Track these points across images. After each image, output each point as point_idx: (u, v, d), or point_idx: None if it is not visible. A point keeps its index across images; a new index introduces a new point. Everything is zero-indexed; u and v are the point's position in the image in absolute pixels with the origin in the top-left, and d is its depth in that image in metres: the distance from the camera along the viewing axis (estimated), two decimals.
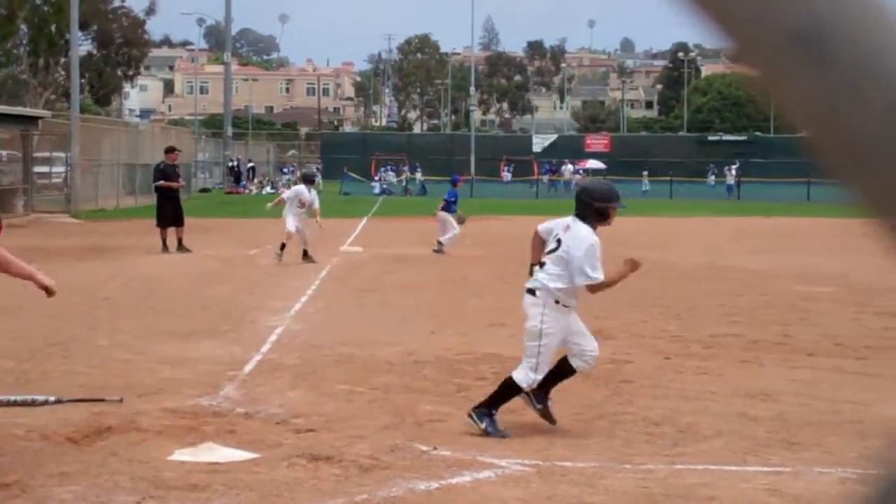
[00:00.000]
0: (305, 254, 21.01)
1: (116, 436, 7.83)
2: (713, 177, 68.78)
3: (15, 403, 7.78)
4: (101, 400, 8.06)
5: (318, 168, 74.06)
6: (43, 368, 10.32)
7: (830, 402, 9.16)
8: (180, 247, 22.70)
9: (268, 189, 61.72)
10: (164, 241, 22.67)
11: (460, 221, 24.10)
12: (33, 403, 7.72)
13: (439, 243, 23.59)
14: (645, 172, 63.34)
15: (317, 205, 21.46)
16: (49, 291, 7.21)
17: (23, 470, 6.92)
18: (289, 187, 25.63)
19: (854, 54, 0.57)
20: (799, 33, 0.58)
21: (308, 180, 22.63)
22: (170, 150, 26.08)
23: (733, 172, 62.34)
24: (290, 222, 20.90)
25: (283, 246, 20.64)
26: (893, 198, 0.59)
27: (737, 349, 11.80)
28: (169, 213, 23.14)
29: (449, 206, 24.26)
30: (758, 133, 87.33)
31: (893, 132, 0.57)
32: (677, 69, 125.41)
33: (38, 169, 38.80)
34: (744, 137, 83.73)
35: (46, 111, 44.25)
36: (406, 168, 67.09)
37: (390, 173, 66.69)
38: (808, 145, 0.60)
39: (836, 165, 0.60)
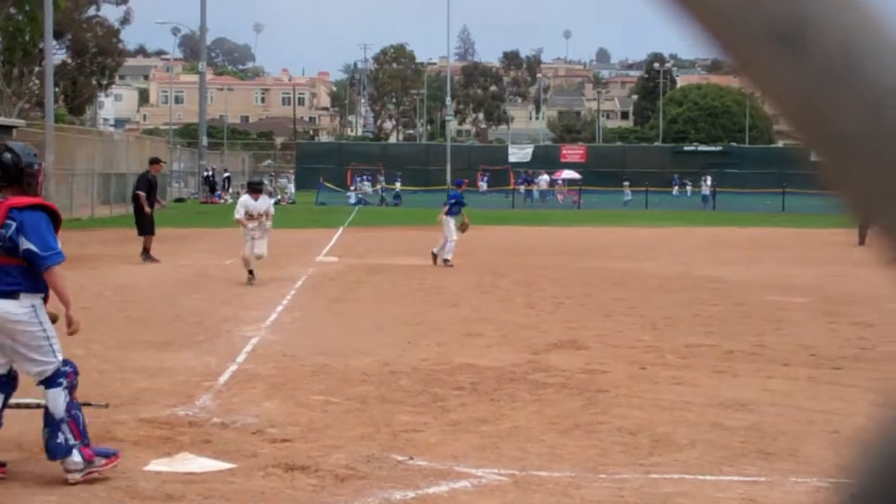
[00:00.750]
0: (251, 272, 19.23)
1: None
2: (677, 187, 69.21)
3: (18, 406, 7.76)
4: (87, 405, 8.01)
5: (287, 178, 73.89)
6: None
7: (805, 412, 9.21)
8: (147, 255, 22.65)
9: (243, 198, 61.53)
10: (146, 249, 22.76)
11: (463, 229, 23.88)
12: (27, 406, 7.70)
13: (445, 260, 22.94)
14: (626, 182, 63.57)
15: (271, 210, 20.04)
16: (72, 327, 7.17)
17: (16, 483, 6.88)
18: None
19: (833, 49, 0.57)
20: (777, 27, 0.57)
21: (254, 189, 20.43)
22: (155, 162, 26.18)
23: (708, 183, 62.66)
24: (246, 247, 19.26)
25: (249, 272, 19.15)
26: (875, 194, 0.60)
27: (712, 359, 11.85)
28: (149, 221, 23.29)
29: (451, 209, 23.92)
30: (733, 143, 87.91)
31: (874, 128, 0.58)
32: (653, 80, 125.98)
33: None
34: (719, 148, 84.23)
35: (21, 120, 43.97)
36: (382, 178, 67.06)
37: (366, 183, 66.65)
38: (790, 141, 0.61)
39: (819, 161, 0.60)
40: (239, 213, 19.65)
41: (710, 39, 0.60)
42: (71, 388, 7.06)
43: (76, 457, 6.88)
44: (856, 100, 0.57)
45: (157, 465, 7.33)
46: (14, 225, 6.92)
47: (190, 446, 7.81)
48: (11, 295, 6.89)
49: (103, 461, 7.06)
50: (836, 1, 0.57)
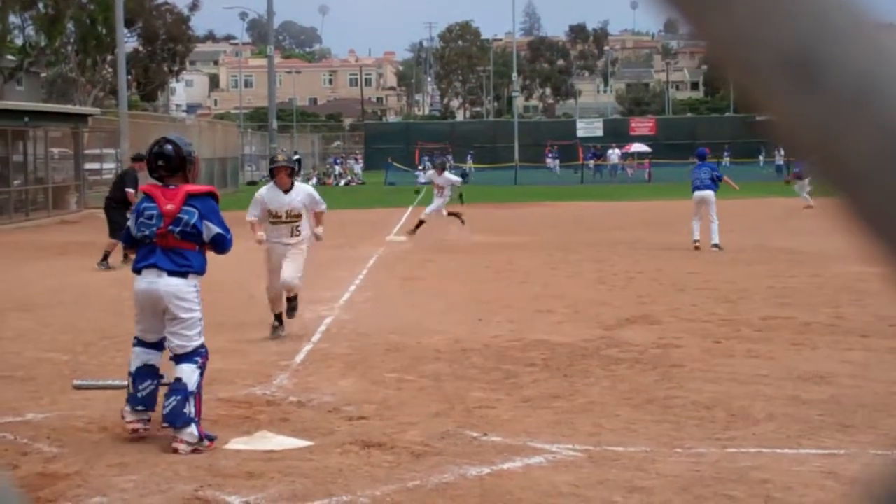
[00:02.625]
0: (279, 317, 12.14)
1: None
2: (762, 157, 68.31)
3: (109, 387, 8.02)
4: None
5: (355, 158, 74.07)
6: (98, 361, 10.50)
7: (885, 384, 9.08)
8: (105, 262, 19.41)
9: (313, 181, 62.06)
10: (108, 253, 19.38)
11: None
12: (119, 387, 7.98)
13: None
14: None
15: (318, 205, 12.07)
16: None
17: (83, 461, 7.05)
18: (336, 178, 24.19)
19: (844, 79, 0.55)
20: (787, 57, 0.57)
21: (280, 170, 11.84)
22: (139, 159, 21.39)
23: (782, 153, 61.76)
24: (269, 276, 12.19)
25: (276, 318, 12.12)
26: (887, 222, 0.60)
27: (788, 331, 11.73)
28: (122, 226, 19.77)
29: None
30: None
31: (888, 162, 0.57)
32: None
33: (88, 166, 39.33)
34: None
35: (95, 108, 44.73)
36: (450, 157, 67.12)
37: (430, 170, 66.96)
38: (806, 166, 0.61)
39: (833, 188, 0.60)
40: (252, 215, 11.77)
41: (726, 72, 0.60)
42: (202, 370, 7.59)
43: (194, 430, 7.28)
44: (870, 134, 0.57)
45: (237, 443, 7.45)
46: (196, 213, 7.66)
47: (268, 425, 7.94)
48: (182, 274, 7.62)
49: (207, 443, 7.36)
50: (849, 35, 0.57)
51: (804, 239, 22.36)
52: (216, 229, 7.74)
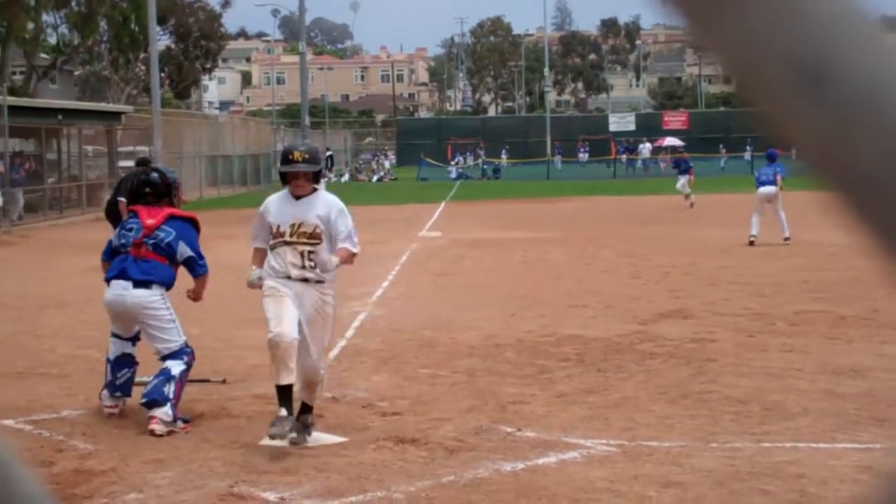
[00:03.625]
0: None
1: (208, 422, 8.02)
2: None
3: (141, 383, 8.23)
4: (206, 381, 8.52)
5: (384, 153, 74.20)
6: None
7: None
8: None
9: (346, 177, 62.23)
10: None
11: None
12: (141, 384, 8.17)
13: None
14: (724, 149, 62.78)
15: (342, 227, 7.69)
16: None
17: (118, 457, 7.11)
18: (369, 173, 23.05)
19: (853, 88, 0.55)
20: (796, 67, 0.56)
21: (293, 166, 7.99)
22: (143, 163, 22.10)
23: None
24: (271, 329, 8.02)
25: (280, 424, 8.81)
26: (894, 226, 0.60)
27: (823, 325, 11.65)
28: None
29: None
30: None
31: (894, 163, 0.57)
32: None
33: (122, 163, 39.53)
34: None
35: (129, 106, 45.06)
36: (482, 152, 67.12)
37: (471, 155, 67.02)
38: (813, 176, 0.61)
39: (838, 192, 0.60)
40: (256, 240, 7.81)
41: (734, 79, 0.60)
42: (188, 366, 8.05)
43: (168, 410, 7.68)
44: (878, 139, 0.57)
45: (270, 440, 7.49)
46: (173, 233, 8.24)
47: None
48: (146, 284, 8.08)
49: (182, 424, 7.75)
50: (859, 43, 0.56)
51: (839, 233, 22.15)
52: (189, 252, 8.26)
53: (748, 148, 66.08)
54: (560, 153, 68.82)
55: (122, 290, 8.06)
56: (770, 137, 0.60)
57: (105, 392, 8.25)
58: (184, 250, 8.24)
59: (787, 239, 20.38)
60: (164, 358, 8.02)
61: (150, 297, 8.03)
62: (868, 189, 0.58)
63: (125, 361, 8.28)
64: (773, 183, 20.99)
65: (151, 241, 8.20)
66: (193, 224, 8.49)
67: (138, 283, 8.04)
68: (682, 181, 32.80)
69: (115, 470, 6.84)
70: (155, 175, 8.67)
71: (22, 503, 0.81)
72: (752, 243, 20.30)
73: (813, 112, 0.57)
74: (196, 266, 8.36)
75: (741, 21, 0.59)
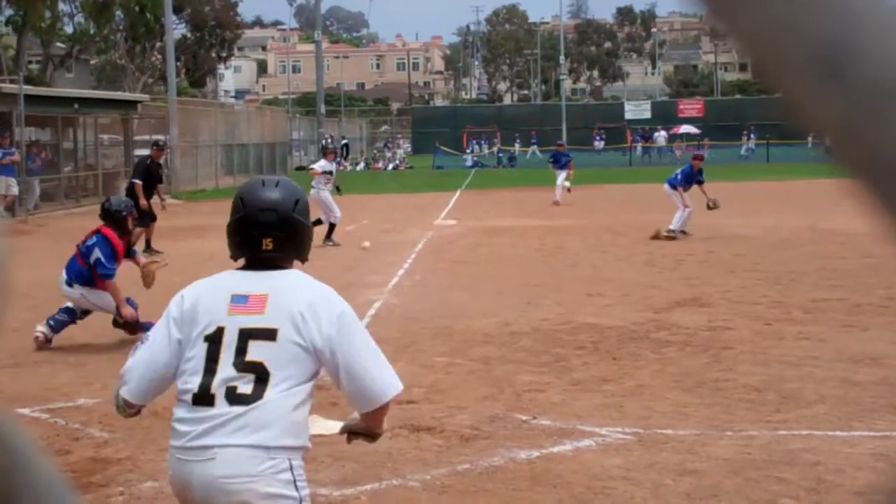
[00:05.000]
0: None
1: None
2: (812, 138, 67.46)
3: None
4: None
5: (397, 143, 74.15)
6: None
7: None
8: (148, 248, 19.10)
9: (361, 166, 62.27)
10: (148, 240, 19.41)
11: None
12: None
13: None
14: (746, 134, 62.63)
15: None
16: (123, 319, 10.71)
17: (134, 446, 7.14)
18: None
19: (874, 74, 0.54)
20: (817, 52, 0.56)
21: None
22: (158, 146, 22.24)
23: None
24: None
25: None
26: None
27: (840, 313, 11.61)
28: (148, 210, 19.55)
29: None
30: None
31: None
32: None
33: (138, 152, 39.64)
34: None
35: (144, 95, 45.11)
36: (497, 140, 67.06)
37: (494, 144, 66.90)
38: (834, 162, 0.60)
39: (861, 184, 0.59)
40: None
41: (755, 65, 0.59)
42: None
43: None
44: None
45: None
46: (94, 241, 10.72)
47: (318, 409, 7.96)
48: (69, 280, 10.83)
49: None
50: (881, 28, 0.56)
51: (855, 221, 22.07)
52: (97, 256, 10.58)
53: (752, 136, 65.88)
54: (536, 143, 67.92)
55: (60, 282, 10.98)
56: (793, 123, 0.60)
57: (41, 325, 10.73)
58: (94, 254, 10.60)
59: (669, 231, 20.32)
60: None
61: (68, 287, 10.90)
62: (890, 175, 0.58)
63: (69, 311, 10.86)
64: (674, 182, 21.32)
65: (82, 247, 10.86)
66: (112, 242, 10.74)
67: (68, 281, 10.85)
68: (562, 176, 29.76)
69: (131, 458, 6.87)
70: (106, 204, 11.26)
71: (42, 489, 0.82)
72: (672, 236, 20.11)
73: (834, 97, 0.57)
74: (101, 270, 10.62)
75: (762, 5, 0.58)
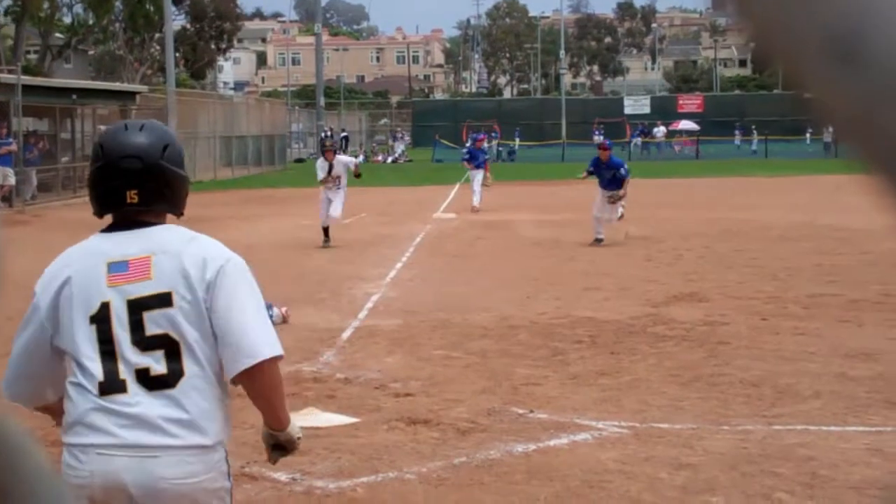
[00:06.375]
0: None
1: None
2: (809, 134, 67.62)
3: None
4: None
5: (396, 135, 74.13)
6: None
7: None
8: None
9: (360, 158, 62.20)
10: None
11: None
12: None
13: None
14: (739, 132, 62.59)
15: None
16: None
17: None
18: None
19: (888, 57, 0.54)
20: (830, 36, 0.55)
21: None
22: None
23: (830, 130, 60.88)
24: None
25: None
26: None
27: (836, 309, 11.63)
28: None
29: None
30: None
31: None
32: None
33: None
34: None
35: (143, 86, 45.08)
36: (496, 134, 67.02)
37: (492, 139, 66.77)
38: (847, 147, 0.59)
39: (874, 173, 0.58)
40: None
41: (769, 50, 0.59)
42: None
43: None
44: None
45: None
46: None
47: (315, 401, 8.00)
48: None
49: None
50: (892, 7, 0.55)
51: (853, 216, 22.11)
52: None
53: (753, 133, 65.98)
54: (644, 132, 67.98)
55: None
56: (804, 112, 0.59)
57: None
58: None
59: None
60: None
61: None
62: None
63: None
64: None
65: None
66: None
67: None
68: (478, 178, 26.01)
69: None
70: None
71: (35, 480, 0.82)
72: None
73: (847, 82, 0.56)
74: None
75: None
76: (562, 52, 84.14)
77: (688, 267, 15.37)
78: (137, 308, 3.07)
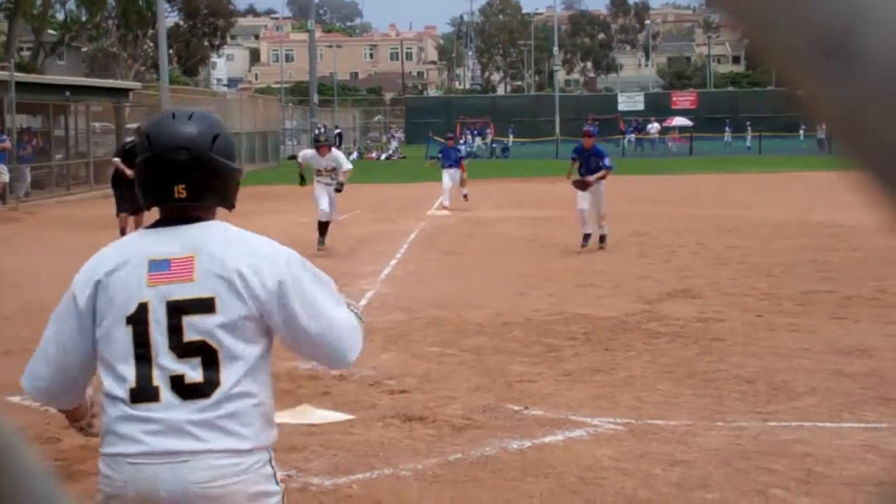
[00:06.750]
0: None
1: None
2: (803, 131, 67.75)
3: None
4: None
5: (391, 133, 74.06)
6: None
7: None
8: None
9: (354, 156, 62.23)
10: (122, 231, 17.72)
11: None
12: None
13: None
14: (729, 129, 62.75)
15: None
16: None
17: None
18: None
19: (881, 58, 0.53)
20: (820, 34, 0.55)
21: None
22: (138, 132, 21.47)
23: (823, 127, 60.91)
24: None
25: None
26: None
27: (830, 305, 11.65)
28: (128, 198, 17.52)
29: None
30: None
31: None
32: None
33: (130, 139, 39.61)
34: None
35: (137, 83, 45.01)
36: (489, 131, 67.04)
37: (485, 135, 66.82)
38: (841, 152, 0.58)
39: (865, 172, 0.58)
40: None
41: (760, 49, 0.58)
42: None
43: None
44: None
45: (279, 417, 7.46)
46: None
47: (310, 398, 7.99)
48: None
49: None
50: (889, 12, 0.55)
51: (846, 212, 22.13)
52: None
53: (732, 129, 66.21)
54: (638, 129, 68.01)
55: None
56: (796, 111, 0.58)
57: None
58: None
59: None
60: None
61: None
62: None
63: None
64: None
65: None
66: None
67: None
68: (454, 178, 25.76)
69: None
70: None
71: (24, 480, 0.82)
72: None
73: (840, 84, 0.56)
74: None
75: None
76: (555, 49, 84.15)
77: (682, 264, 15.39)
78: (177, 311, 2.88)
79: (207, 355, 2.86)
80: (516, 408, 7.65)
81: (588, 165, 17.59)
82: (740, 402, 7.73)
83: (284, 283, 2.90)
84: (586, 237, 17.33)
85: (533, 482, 6.12)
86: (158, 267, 2.90)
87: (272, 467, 3.01)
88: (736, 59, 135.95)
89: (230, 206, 3.10)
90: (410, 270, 15.21)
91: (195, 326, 2.86)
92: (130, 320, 2.88)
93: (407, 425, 7.23)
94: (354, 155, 62.50)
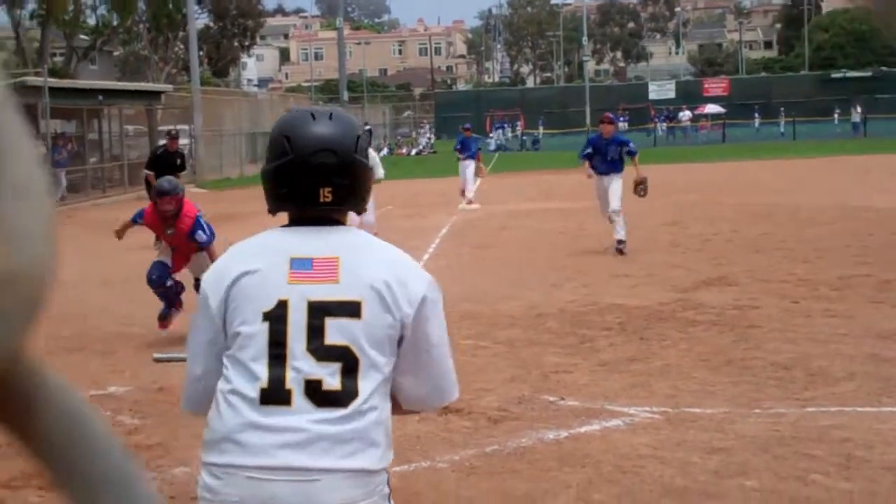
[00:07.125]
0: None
1: None
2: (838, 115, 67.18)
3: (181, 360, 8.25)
4: None
5: (420, 129, 73.96)
6: (181, 333, 10.66)
7: None
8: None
9: (384, 151, 62.30)
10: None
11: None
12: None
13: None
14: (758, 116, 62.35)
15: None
16: None
17: (166, 432, 7.19)
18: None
19: None
20: None
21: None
22: (172, 137, 22.05)
23: (858, 110, 60.52)
24: None
25: None
26: None
27: (867, 290, 11.55)
28: None
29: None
30: (883, 68, 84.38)
31: None
32: (796, 6, 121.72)
33: (163, 142, 39.90)
34: (869, 73, 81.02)
35: (168, 85, 45.27)
36: (519, 123, 66.98)
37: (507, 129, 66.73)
38: None
39: None
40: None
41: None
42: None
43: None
44: None
45: None
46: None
47: None
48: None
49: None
50: None
51: (883, 196, 21.94)
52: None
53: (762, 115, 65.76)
54: (669, 117, 67.64)
55: None
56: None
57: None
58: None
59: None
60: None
61: None
62: None
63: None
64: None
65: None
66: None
67: None
68: (471, 168, 25.24)
69: (163, 444, 6.92)
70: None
71: (96, 452, 0.82)
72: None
73: None
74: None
75: None
76: (584, 39, 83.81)
77: (716, 251, 15.31)
78: (320, 311, 2.68)
79: (348, 362, 2.68)
80: (552, 398, 7.64)
81: (606, 156, 15.85)
82: (778, 389, 7.69)
83: (426, 301, 2.77)
84: (620, 243, 15.56)
85: (570, 472, 6.12)
86: (300, 265, 2.74)
87: (389, 487, 2.84)
88: (768, 45, 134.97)
89: (361, 211, 2.95)
90: (443, 265, 15.22)
91: (340, 329, 2.68)
92: (268, 317, 2.70)
93: (443, 418, 7.24)
94: (385, 151, 62.63)
